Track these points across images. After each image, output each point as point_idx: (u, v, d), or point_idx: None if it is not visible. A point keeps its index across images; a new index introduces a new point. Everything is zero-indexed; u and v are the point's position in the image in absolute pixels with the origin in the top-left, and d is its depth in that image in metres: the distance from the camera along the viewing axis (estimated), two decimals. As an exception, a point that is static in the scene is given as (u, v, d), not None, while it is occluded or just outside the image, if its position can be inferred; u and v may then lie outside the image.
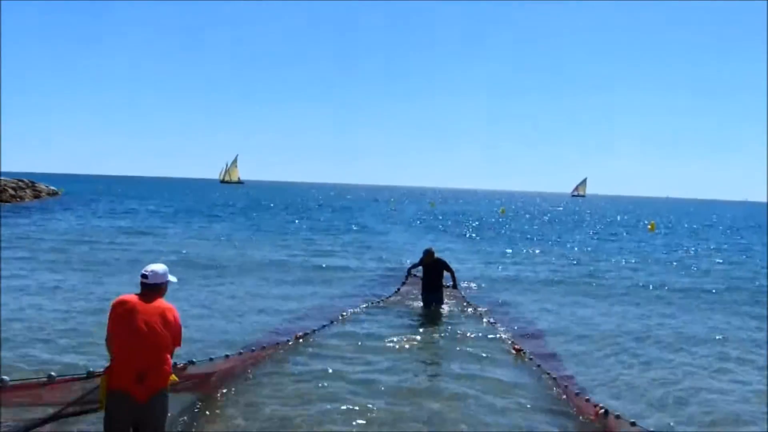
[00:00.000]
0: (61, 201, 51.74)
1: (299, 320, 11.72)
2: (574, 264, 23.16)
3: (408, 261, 19.56)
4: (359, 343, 10.17)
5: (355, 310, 12.61)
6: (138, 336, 5.16)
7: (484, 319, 12.19)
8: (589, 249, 29.24)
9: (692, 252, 30.10)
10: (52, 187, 58.69)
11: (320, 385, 8.05)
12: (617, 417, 6.27)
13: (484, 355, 9.80)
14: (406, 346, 10.22)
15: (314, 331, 10.52)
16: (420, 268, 13.43)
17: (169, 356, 5.34)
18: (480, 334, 11.08)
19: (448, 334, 11.15)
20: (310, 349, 9.65)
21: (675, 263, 24.83)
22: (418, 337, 10.80)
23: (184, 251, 21.77)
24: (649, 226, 49.69)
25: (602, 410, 6.47)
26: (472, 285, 16.51)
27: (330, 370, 8.66)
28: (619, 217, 69.99)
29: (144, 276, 5.47)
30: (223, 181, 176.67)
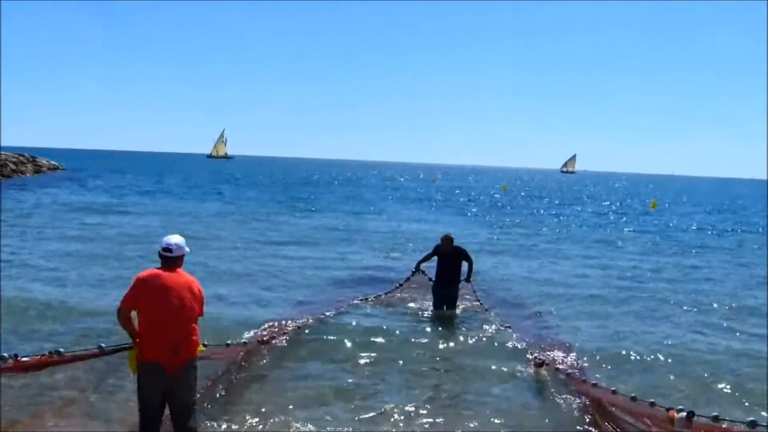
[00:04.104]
0: (76, 176, 51.40)
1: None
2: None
3: (410, 247, 18.88)
4: (346, 353, 8.87)
5: (351, 302, 11.36)
6: (171, 310, 5.29)
7: (497, 325, 10.45)
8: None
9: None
10: (53, 162, 57.95)
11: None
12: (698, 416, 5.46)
13: (504, 370, 8.42)
14: (413, 354, 8.92)
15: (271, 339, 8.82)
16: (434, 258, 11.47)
17: (196, 327, 5.50)
18: (495, 344, 9.66)
19: (460, 343, 9.73)
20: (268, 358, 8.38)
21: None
22: (423, 349, 9.30)
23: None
24: (650, 205, 49.95)
25: (681, 412, 5.44)
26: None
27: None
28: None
29: (168, 249, 5.52)
30: (210, 156, 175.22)
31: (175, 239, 5.60)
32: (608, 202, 52.72)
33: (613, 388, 6.40)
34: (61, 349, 5.44)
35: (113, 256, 15.43)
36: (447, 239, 11.27)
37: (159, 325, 5.27)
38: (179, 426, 5.46)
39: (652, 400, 5.81)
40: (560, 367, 8.16)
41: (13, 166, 45.20)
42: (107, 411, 6.48)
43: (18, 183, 39.50)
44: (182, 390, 5.38)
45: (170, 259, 5.53)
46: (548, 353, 8.89)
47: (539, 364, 8.29)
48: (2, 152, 48.19)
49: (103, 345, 5.68)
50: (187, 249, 5.67)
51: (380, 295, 11.90)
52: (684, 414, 5.43)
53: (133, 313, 5.42)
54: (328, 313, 10.31)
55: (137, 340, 5.36)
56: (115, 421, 6.27)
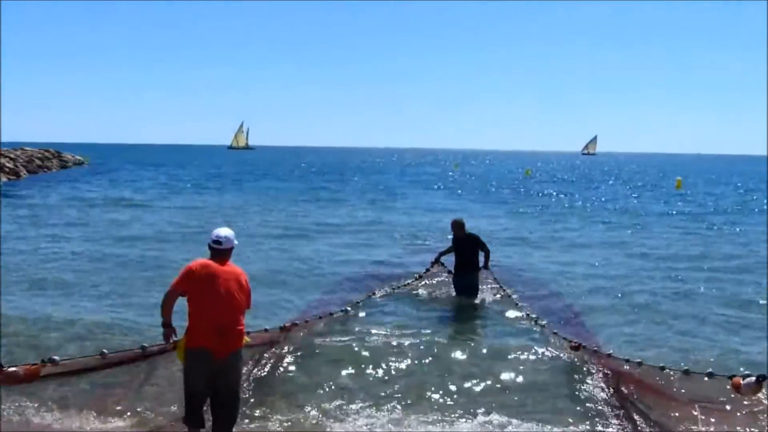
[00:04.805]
0: (104, 170, 51.66)
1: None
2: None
3: (433, 236, 18.67)
4: (370, 347, 8.52)
5: (372, 294, 11.06)
6: (218, 298, 5.43)
7: (522, 312, 10.09)
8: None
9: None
10: (78, 157, 58.66)
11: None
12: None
13: (537, 356, 8.24)
14: (435, 349, 8.52)
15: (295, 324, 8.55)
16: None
17: (243, 318, 5.61)
18: (522, 329, 9.55)
19: (483, 333, 9.66)
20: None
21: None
22: (445, 338, 9.17)
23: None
24: (676, 184, 49.33)
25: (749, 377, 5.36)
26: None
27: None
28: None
29: (218, 242, 5.67)
30: (230, 147, 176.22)
31: (224, 232, 5.75)
32: (640, 183, 52.12)
33: (662, 365, 6.23)
34: (105, 350, 5.56)
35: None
36: (458, 225, 10.99)
37: (207, 311, 5.40)
38: (222, 414, 5.52)
39: (710, 370, 5.73)
40: (597, 348, 7.74)
41: (39, 162, 45.74)
42: (138, 404, 6.46)
43: (45, 178, 40.09)
44: (230, 378, 5.50)
45: (220, 251, 5.67)
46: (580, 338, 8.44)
47: (575, 347, 7.94)
48: (28, 148, 48.84)
49: (145, 345, 5.82)
50: (235, 242, 5.80)
51: (399, 286, 11.63)
52: (752, 379, 5.25)
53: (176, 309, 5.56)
54: (348, 307, 10.02)
55: (167, 330, 5.56)
56: (146, 415, 6.31)
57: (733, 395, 5.41)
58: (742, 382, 5.31)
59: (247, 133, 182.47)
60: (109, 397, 6.34)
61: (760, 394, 5.30)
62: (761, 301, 11.25)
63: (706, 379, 5.71)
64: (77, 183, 38.15)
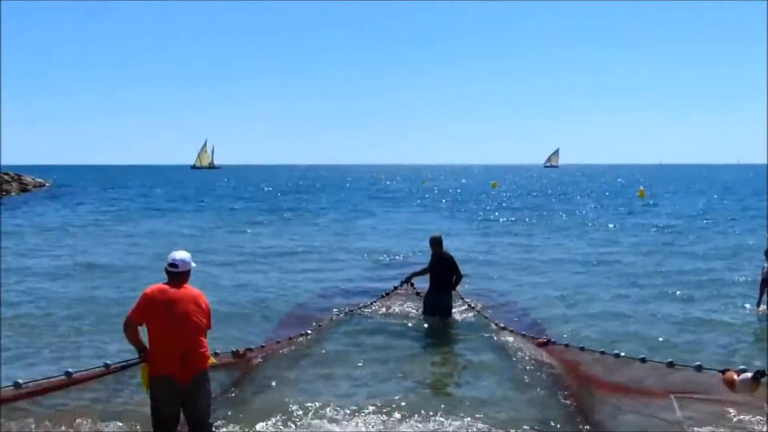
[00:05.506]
0: (71, 192, 50.07)
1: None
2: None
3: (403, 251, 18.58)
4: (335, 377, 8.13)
5: (335, 317, 10.61)
6: (178, 322, 5.40)
7: (493, 324, 9.95)
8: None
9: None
10: (39, 179, 57.14)
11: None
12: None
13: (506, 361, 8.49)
14: (405, 364, 8.50)
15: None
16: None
17: (204, 339, 5.59)
18: (494, 339, 9.57)
19: (456, 343, 9.62)
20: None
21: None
22: (415, 352, 9.07)
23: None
24: (639, 193, 50.09)
25: (744, 373, 4.71)
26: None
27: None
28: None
29: (173, 265, 5.65)
30: (194, 167, 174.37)
31: (180, 255, 5.72)
32: (607, 193, 52.81)
33: (643, 356, 5.88)
34: (70, 370, 5.40)
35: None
36: (436, 241, 10.72)
37: (166, 337, 5.36)
38: None
39: (698, 363, 5.19)
40: (567, 342, 7.58)
41: (-4, 186, 44.49)
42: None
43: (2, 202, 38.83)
44: (198, 402, 5.47)
45: (176, 275, 5.65)
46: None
47: (543, 343, 7.91)
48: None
49: (108, 362, 5.69)
50: (192, 264, 5.78)
51: (366, 305, 11.20)
52: (748, 375, 4.55)
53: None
54: (309, 330, 9.57)
55: (143, 354, 5.47)
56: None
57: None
58: (736, 378, 4.63)
59: (213, 152, 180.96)
60: (76, 416, 6.24)
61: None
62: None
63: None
64: (36, 207, 37.06)
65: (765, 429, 5.59)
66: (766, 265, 10.75)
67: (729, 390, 4.69)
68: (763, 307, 10.81)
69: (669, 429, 5.36)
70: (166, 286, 5.59)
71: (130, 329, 5.46)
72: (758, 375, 4.45)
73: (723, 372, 4.77)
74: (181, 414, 5.56)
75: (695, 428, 5.66)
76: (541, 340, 8.08)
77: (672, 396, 5.36)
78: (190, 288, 5.70)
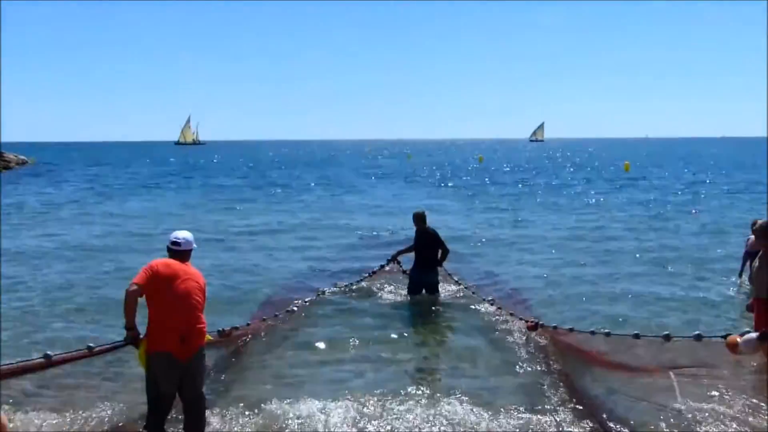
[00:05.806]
0: (53, 171, 49.41)
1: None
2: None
3: (390, 228, 18.45)
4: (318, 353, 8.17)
5: (322, 293, 10.53)
6: (180, 299, 5.39)
7: (481, 301, 9.98)
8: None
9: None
10: (21, 156, 56.36)
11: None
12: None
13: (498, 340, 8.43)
14: (393, 345, 8.41)
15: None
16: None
17: (203, 316, 5.58)
18: (484, 319, 9.46)
19: (445, 322, 9.55)
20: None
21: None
22: (403, 333, 8.93)
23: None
24: (624, 167, 50.14)
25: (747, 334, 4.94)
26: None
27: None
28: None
29: (176, 243, 5.74)
30: (177, 143, 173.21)
31: (183, 234, 5.83)
32: (588, 168, 52.85)
33: (636, 332, 5.91)
34: (50, 353, 5.43)
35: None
36: (419, 217, 10.61)
37: (169, 313, 5.35)
38: (192, 415, 5.52)
39: (698, 332, 5.34)
40: (556, 325, 7.70)
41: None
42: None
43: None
44: (196, 379, 5.48)
45: (179, 252, 5.73)
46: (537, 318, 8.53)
47: (533, 327, 8.05)
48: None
49: (92, 345, 5.70)
50: (194, 245, 5.89)
51: (351, 284, 11.09)
52: (753, 335, 4.74)
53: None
54: (295, 308, 9.55)
55: (130, 332, 5.47)
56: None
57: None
58: (739, 339, 4.78)
59: (197, 128, 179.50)
60: (65, 397, 6.30)
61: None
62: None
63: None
64: (19, 185, 36.56)
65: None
66: (751, 236, 10.75)
67: (731, 353, 4.90)
68: (744, 276, 10.91)
69: (665, 403, 5.52)
70: (171, 261, 5.62)
71: (131, 298, 5.35)
72: (764, 334, 4.69)
73: (725, 337, 4.96)
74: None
75: (691, 402, 5.73)
76: (530, 323, 8.14)
77: (671, 372, 5.55)
78: (191, 265, 5.75)
